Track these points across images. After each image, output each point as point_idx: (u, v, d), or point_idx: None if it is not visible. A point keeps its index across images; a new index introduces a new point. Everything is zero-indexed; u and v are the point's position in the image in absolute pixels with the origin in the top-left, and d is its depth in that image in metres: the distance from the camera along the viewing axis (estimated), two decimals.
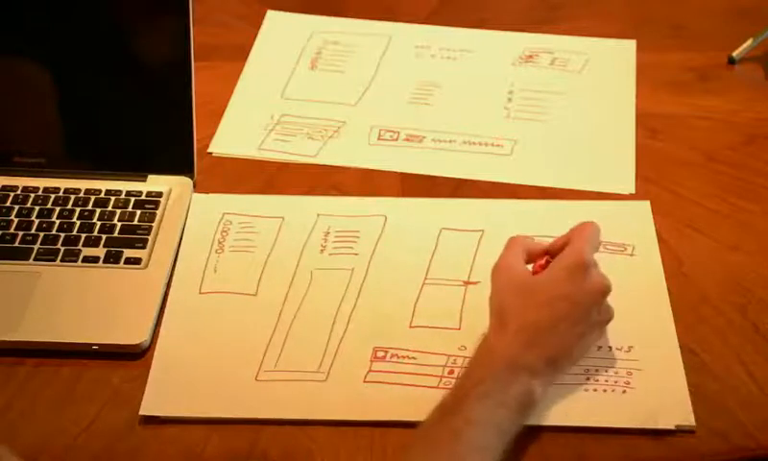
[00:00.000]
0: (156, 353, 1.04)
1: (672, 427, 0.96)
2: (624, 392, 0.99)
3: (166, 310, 1.08)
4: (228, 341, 1.05)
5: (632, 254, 1.12)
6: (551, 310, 0.96)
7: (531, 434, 0.95)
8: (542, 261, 1.01)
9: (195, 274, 1.12)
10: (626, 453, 0.95)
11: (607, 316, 1.00)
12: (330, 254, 1.14)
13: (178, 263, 1.13)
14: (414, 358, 1.03)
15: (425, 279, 1.11)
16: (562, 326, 0.96)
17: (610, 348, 1.02)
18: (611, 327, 1.02)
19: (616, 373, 1.00)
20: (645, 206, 1.18)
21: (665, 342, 1.03)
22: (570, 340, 0.97)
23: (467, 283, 1.10)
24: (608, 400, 0.98)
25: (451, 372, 1.01)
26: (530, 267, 1.01)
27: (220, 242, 1.15)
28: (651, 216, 1.17)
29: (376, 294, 1.09)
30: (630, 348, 1.02)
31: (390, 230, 1.16)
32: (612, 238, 1.10)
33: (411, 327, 1.06)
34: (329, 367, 1.03)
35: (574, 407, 0.98)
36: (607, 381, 1.00)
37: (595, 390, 0.99)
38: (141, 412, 0.99)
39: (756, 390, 1.00)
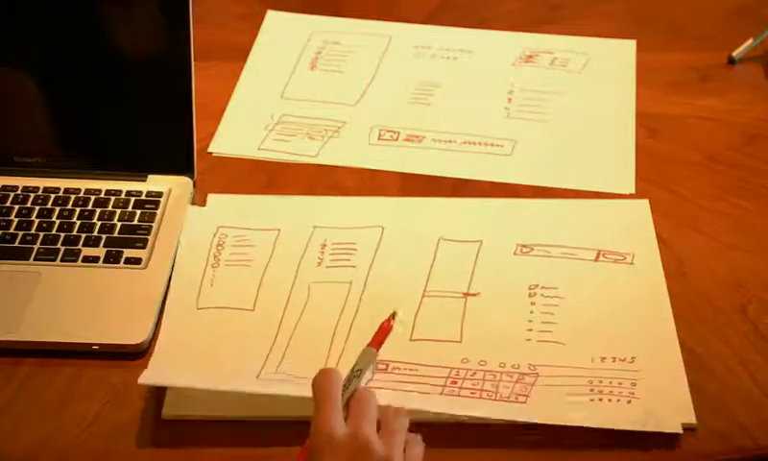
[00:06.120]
0: (153, 356, 1.03)
1: (672, 427, 0.96)
2: (629, 402, 0.97)
3: (162, 326, 1.06)
4: (225, 357, 1.03)
5: (631, 263, 1.11)
6: None
7: (531, 433, 0.95)
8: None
9: (191, 289, 1.10)
10: (627, 454, 0.95)
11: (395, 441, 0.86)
12: (328, 268, 1.12)
13: (173, 279, 1.10)
14: (415, 370, 1.02)
15: (425, 291, 1.09)
16: None
17: (613, 358, 1.01)
18: (613, 337, 1.03)
19: (620, 384, 0.99)
20: (645, 205, 1.18)
21: (667, 348, 1.02)
22: None
23: (466, 295, 1.09)
24: (612, 410, 0.97)
25: (454, 383, 1.00)
26: None
27: (215, 256, 1.14)
28: (651, 216, 1.16)
29: (375, 307, 1.06)
30: (633, 358, 1.01)
31: (387, 242, 1.14)
32: (611, 239, 1.10)
33: (411, 339, 1.05)
34: None
35: (577, 412, 0.96)
36: (611, 393, 0.98)
37: (600, 400, 0.98)
38: (141, 412, 0.99)
39: (756, 390, 1.00)
